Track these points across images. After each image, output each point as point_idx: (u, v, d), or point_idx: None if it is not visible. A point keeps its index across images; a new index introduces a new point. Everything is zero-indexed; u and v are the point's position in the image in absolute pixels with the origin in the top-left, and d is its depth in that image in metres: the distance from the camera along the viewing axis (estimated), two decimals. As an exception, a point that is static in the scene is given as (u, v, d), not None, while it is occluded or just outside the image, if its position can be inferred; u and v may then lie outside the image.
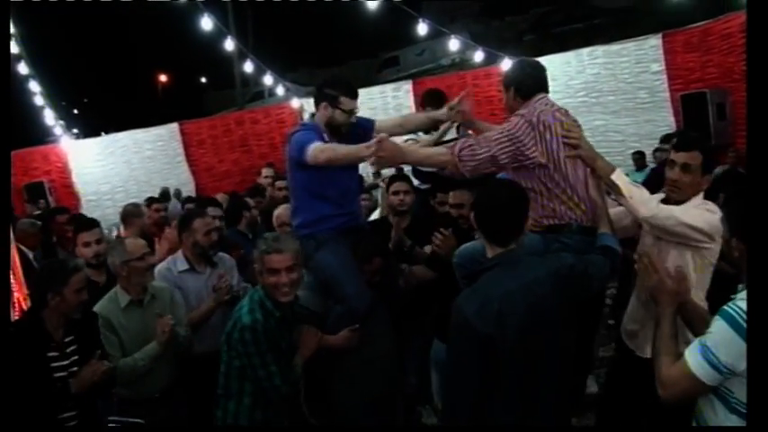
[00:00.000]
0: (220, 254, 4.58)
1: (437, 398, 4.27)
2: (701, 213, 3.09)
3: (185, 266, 4.36)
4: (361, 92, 14.90)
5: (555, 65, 12.67)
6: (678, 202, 3.19)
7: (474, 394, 2.51)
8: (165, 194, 13.33)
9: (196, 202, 5.82)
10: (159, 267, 4.40)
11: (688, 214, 3.09)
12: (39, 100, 14.16)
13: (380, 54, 29.59)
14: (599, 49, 12.33)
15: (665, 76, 11.25)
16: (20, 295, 4.19)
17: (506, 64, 13.04)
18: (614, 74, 11.95)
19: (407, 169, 5.45)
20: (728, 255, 2.44)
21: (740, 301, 2.12)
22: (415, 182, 5.10)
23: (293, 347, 3.44)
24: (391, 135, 3.92)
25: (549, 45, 19.31)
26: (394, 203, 4.74)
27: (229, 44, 13.58)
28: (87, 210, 13.63)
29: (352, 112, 3.80)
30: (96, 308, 3.79)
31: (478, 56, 13.81)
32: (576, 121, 3.32)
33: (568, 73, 12.53)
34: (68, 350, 3.40)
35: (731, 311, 2.11)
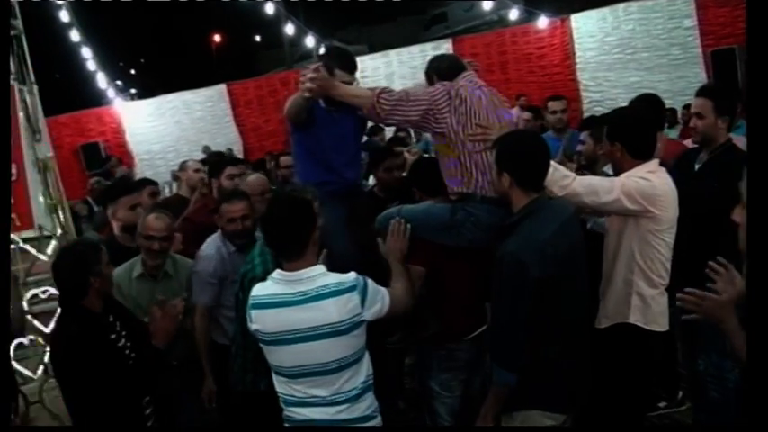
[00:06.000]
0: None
1: None
2: (634, 182, 3.08)
3: (233, 248, 4.08)
4: (402, 51, 15.46)
5: (592, 21, 12.76)
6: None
7: (527, 336, 2.65)
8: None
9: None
10: (212, 239, 4.17)
11: (603, 185, 3.13)
12: (91, 65, 14.60)
13: (429, 10, 29.04)
14: (633, 5, 12.21)
15: (696, 32, 11.19)
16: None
17: (543, 21, 13.11)
18: (648, 30, 11.88)
19: None
20: None
21: None
22: None
23: None
24: None
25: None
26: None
27: (274, 5, 13.57)
28: (141, 168, 14.35)
29: (347, 83, 3.70)
30: (114, 272, 3.71)
31: (513, 14, 13.84)
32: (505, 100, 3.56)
33: (604, 29, 12.53)
34: (118, 329, 3.17)
35: None
